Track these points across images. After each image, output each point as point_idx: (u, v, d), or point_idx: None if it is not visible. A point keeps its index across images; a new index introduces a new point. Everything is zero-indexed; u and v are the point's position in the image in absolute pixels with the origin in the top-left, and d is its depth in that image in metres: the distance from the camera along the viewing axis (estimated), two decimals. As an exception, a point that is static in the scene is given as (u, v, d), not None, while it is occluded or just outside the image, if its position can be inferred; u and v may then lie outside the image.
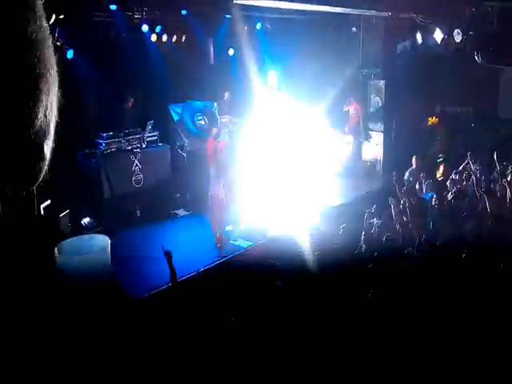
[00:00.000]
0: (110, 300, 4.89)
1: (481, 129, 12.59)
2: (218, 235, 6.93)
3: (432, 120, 12.22)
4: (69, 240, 5.60)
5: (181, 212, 8.43)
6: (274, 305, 4.31)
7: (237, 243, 6.93)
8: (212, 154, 6.69)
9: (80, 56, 8.03)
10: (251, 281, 5.41)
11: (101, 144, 7.61)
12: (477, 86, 12.36)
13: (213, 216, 6.94)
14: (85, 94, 8.28)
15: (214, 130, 6.94)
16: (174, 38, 9.75)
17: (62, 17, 7.43)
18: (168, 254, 4.27)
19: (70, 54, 7.80)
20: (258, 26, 10.44)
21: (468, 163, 8.81)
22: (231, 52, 11.03)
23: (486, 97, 12.77)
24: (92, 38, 8.24)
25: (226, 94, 10.32)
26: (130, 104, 8.26)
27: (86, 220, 7.04)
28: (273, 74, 8.97)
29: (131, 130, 8.14)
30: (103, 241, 5.26)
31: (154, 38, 9.28)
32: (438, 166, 11.41)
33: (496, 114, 12.99)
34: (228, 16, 10.16)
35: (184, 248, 6.82)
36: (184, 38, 9.90)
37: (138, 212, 7.87)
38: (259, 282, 5.08)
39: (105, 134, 7.66)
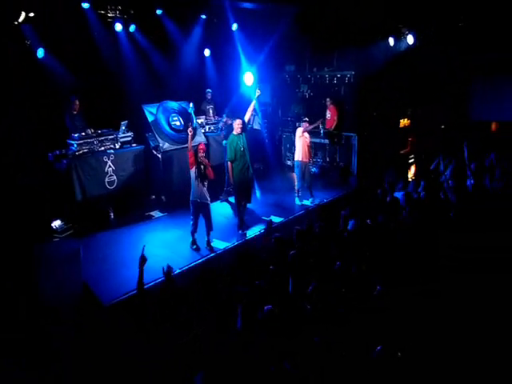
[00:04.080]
0: (82, 306, 4.83)
1: (452, 130, 12.99)
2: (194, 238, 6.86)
3: (404, 122, 12.51)
4: (40, 245, 5.51)
5: (156, 214, 8.35)
6: (251, 306, 4.30)
7: (212, 244, 6.90)
8: (192, 156, 6.59)
9: (51, 55, 7.84)
10: (227, 281, 5.41)
11: (72, 145, 7.43)
12: (448, 88, 12.76)
13: (195, 222, 6.78)
14: (56, 93, 8.10)
15: (190, 131, 6.86)
16: (149, 38, 9.64)
17: (31, 15, 7.28)
18: (142, 260, 4.22)
19: (40, 53, 7.61)
20: (234, 27, 10.42)
21: (439, 163, 9.07)
22: (207, 52, 11.01)
23: (455, 99, 13.18)
24: (64, 36, 8.06)
25: (209, 94, 10.29)
26: (76, 107, 7.97)
27: (57, 223, 6.88)
28: (249, 75, 8.97)
29: (104, 130, 7.99)
30: (74, 247, 5.19)
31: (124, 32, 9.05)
32: (410, 167, 11.71)
33: (467, 117, 13.42)
34: (203, 17, 10.13)
35: (159, 250, 6.77)
36: (159, 37, 9.80)
37: (112, 214, 7.75)
38: (235, 282, 5.09)
39: (76, 135, 7.49)
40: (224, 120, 9.37)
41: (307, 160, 8.81)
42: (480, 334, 3.76)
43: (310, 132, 8.98)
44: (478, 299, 4.18)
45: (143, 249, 4.29)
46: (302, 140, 8.68)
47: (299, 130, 8.73)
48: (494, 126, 13.36)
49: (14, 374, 4.03)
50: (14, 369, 4.08)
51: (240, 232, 7.37)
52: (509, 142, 11.43)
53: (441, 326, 3.78)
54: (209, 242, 6.83)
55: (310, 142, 9.02)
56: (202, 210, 6.74)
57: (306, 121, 8.80)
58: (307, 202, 8.78)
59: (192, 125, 8.12)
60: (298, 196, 8.88)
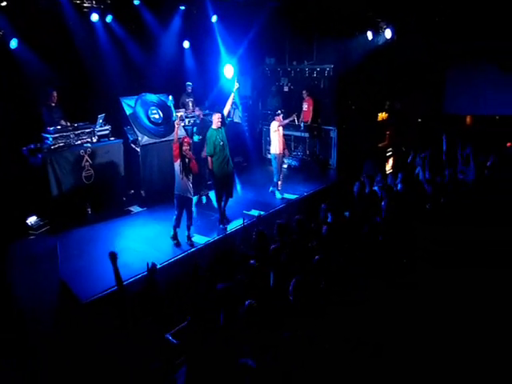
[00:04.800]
0: (59, 303, 4.75)
1: (427, 123, 13.26)
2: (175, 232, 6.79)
3: (382, 115, 12.68)
4: (16, 242, 5.37)
5: (135, 209, 8.25)
6: (232, 299, 4.31)
7: (193, 239, 6.86)
8: (177, 149, 6.46)
9: (25, 46, 7.59)
10: (208, 276, 5.41)
11: (47, 138, 7.24)
12: (424, 82, 12.99)
13: (179, 216, 6.68)
14: (31, 86, 7.87)
15: (177, 122, 6.76)
16: (127, 29, 9.42)
17: (4, 4, 7.02)
18: (112, 257, 4.15)
19: (13, 44, 7.36)
20: (214, 18, 10.30)
21: (415, 156, 9.22)
22: (186, 44, 10.86)
23: (431, 93, 13.44)
24: (38, 27, 7.80)
25: (190, 87, 10.18)
26: (54, 99, 7.76)
27: (32, 219, 6.71)
28: (229, 68, 8.90)
29: (80, 123, 7.81)
30: (51, 244, 5.08)
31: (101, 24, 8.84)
32: (388, 160, 11.91)
33: (443, 110, 13.71)
34: (182, 8, 9.97)
35: (139, 245, 6.70)
36: (137, 28, 9.60)
37: (89, 209, 7.60)
38: (216, 277, 5.09)
39: (52, 128, 7.30)
40: (197, 114, 9.12)
41: (283, 152, 8.89)
42: (457, 325, 3.87)
43: (284, 125, 9.06)
44: (455, 291, 4.30)
45: (113, 253, 4.21)
46: (277, 134, 8.73)
47: (274, 124, 8.75)
48: (468, 120, 13.69)
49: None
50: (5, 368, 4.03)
51: (221, 226, 7.35)
52: (483, 135, 11.74)
53: (418, 317, 3.87)
54: (189, 237, 6.79)
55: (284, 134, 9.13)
56: (185, 204, 6.68)
57: (278, 114, 8.85)
58: (288, 195, 8.84)
59: (173, 117, 8.01)
60: (279, 189, 8.92)
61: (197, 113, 9.10)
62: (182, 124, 9.32)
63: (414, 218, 6.04)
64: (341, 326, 3.64)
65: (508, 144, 9.51)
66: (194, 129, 8.91)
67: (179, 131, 8.71)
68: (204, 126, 8.89)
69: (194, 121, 9.29)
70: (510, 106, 12.56)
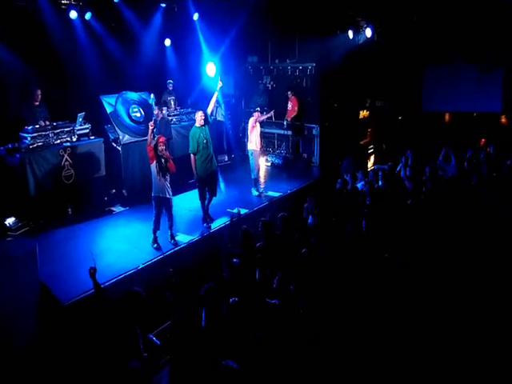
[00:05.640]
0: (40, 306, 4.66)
1: (408, 121, 13.46)
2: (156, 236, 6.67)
3: (363, 113, 12.82)
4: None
5: (117, 208, 8.13)
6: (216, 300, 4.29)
7: (176, 238, 6.80)
8: (152, 150, 6.35)
9: (0, 43, 7.40)
10: (191, 276, 5.38)
11: (25, 138, 7.08)
12: (404, 81, 13.20)
13: (157, 218, 6.55)
14: (7, 85, 7.69)
15: (151, 124, 6.64)
16: (106, 26, 9.26)
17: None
18: (92, 272, 4.06)
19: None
20: (196, 16, 10.22)
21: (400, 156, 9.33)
22: (168, 42, 10.75)
23: (412, 91, 13.66)
24: (14, 24, 7.60)
25: (171, 85, 10.07)
26: (38, 98, 7.60)
27: (10, 220, 6.56)
28: (211, 66, 8.85)
29: (60, 122, 7.66)
30: (30, 246, 4.95)
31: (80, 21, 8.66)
32: (369, 157, 12.06)
33: (421, 107, 13.96)
34: (163, 5, 9.86)
35: (121, 245, 6.62)
36: (117, 26, 9.45)
37: (70, 210, 7.47)
38: (199, 276, 5.07)
39: (30, 128, 7.14)
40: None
41: (260, 149, 8.89)
42: (438, 318, 3.95)
43: (265, 122, 9.08)
44: (436, 285, 4.38)
45: (93, 259, 4.13)
46: (255, 130, 8.72)
47: (252, 120, 8.72)
48: (447, 117, 13.95)
49: None
50: None
51: (205, 225, 7.31)
52: (462, 132, 11.98)
53: (400, 310, 3.93)
54: (172, 236, 6.71)
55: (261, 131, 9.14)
56: (164, 205, 6.60)
57: (257, 111, 8.87)
58: (271, 193, 8.85)
59: (154, 116, 7.87)
60: (262, 187, 8.89)
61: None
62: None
63: (396, 214, 6.13)
64: (323, 322, 3.67)
65: (482, 140, 9.73)
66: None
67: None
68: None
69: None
70: (486, 104, 12.87)
